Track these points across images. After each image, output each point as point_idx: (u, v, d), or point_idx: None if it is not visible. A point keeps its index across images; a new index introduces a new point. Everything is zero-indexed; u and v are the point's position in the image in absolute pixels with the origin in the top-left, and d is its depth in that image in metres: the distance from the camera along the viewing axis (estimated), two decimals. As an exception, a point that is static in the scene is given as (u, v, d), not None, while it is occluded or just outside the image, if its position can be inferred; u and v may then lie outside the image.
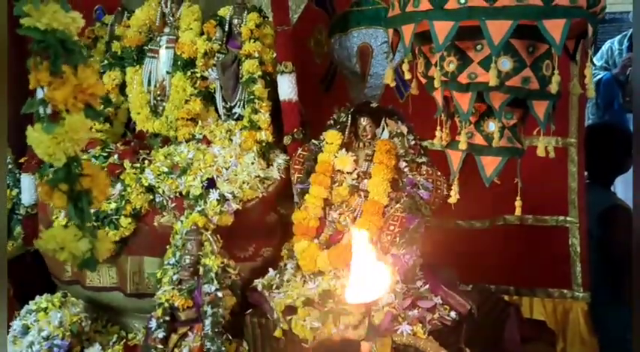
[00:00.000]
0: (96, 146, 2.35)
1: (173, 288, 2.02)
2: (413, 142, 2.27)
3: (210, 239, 2.05)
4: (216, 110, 2.47)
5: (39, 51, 1.14)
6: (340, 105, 2.39)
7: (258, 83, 2.35)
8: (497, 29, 1.43)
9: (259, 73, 2.36)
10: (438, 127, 1.75)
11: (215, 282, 2.01)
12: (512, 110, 1.63)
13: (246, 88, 2.37)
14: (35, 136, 1.14)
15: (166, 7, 2.52)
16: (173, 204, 2.16)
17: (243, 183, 2.18)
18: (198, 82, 2.42)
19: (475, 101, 1.58)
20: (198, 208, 2.08)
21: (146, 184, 2.17)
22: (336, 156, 2.27)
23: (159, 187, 2.16)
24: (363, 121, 2.28)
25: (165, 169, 2.19)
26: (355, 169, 2.26)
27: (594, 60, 1.61)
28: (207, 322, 1.97)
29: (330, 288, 2.00)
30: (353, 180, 2.25)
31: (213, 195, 2.09)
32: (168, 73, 2.46)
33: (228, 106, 2.45)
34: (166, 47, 2.49)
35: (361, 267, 1.61)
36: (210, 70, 2.44)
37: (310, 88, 2.64)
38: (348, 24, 2.68)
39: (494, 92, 1.55)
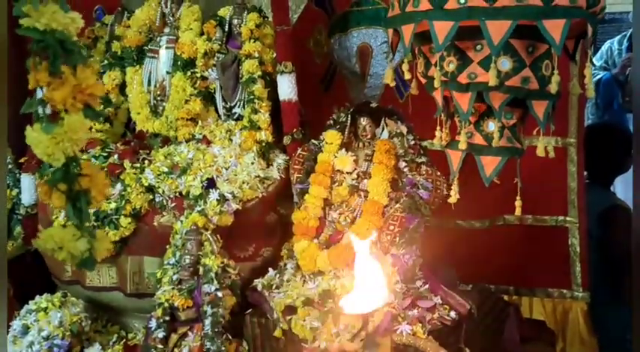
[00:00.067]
0: (96, 146, 2.35)
1: (173, 288, 2.02)
2: (412, 142, 2.27)
3: (210, 239, 2.06)
4: (216, 110, 2.47)
5: (38, 51, 1.14)
6: (340, 105, 2.39)
7: (258, 83, 2.35)
8: (497, 29, 1.43)
9: (259, 73, 2.36)
10: (438, 127, 1.75)
11: (215, 282, 2.01)
12: (511, 110, 1.63)
13: (246, 88, 2.37)
14: (34, 136, 1.14)
15: (166, 7, 2.52)
16: (173, 204, 2.16)
17: (243, 183, 2.18)
18: (198, 82, 2.42)
19: (475, 101, 1.58)
20: (198, 208, 2.08)
21: (146, 184, 2.17)
22: (335, 156, 2.27)
23: (159, 187, 2.16)
24: (363, 121, 2.28)
25: (165, 169, 2.19)
26: (355, 169, 2.26)
27: (594, 60, 1.61)
28: (207, 322, 1.97)
29: (329, 288, 2.00)
30: (353, 180, 2.25)
31: (213, 195, 2.09)
32: (168, 73, 2.46)
33: (228, 106, 2.45)
34: (166, 47, 2.49)
35: (362, 276, 1.61)
36: (210, 70, 2.44)
37: (310, 88, 2.64)
38: (348, 24, 2.69)
39: (494, 92, 1.55)
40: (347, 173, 2.26)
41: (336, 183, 2.25)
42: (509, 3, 1.42)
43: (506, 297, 2.77)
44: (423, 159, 2.25)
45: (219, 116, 2.46)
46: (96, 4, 2.80)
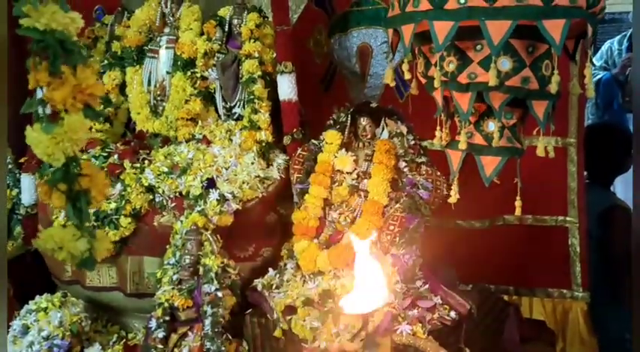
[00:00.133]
0: (96, 146, 2.35)
1: (173, 288, 2.02)
2: (412, 142, 2.27)
3: (210, 239, 2.06)
4: (216, 110, 2.47)
5: (38, 51, 1.14)
6: (340, 105, 2.39)
7: (258, 83, 2.35)
8: (497, 29, 1.43)
9: (259, 73, 2.36)
10: (438, 127, 1.75)
11: (215, 282, 2.01)
12: (511, 110, 1.63)
13: (246, 88, 2.37)
14: (34, 136, 1.14)
15: (166, 7, 2.52)
16: (173, 204, 2.16)
17: (243, 183, 2.18)
18: (198, 82, 2.42)
19: (475, 101, 1.58)
20: (198, 208, 2.08)
21: (146, 184, 2.17)
22: (335, 156, 2.27)
23: (159, 187, 2.16)
24: (363, 121, 2.28)
25: (165, 169, 2.19)
26: (355, 169, 2.26)
27: (594, 60, 1.61)
28: (207, 322, 1.97)
29: (329, 288, 2.00)
30: (353, 180, 2.25)
31: (213, 195, 2.09)
32: (168, 73, 2.46)
33: (228, 106, 2.45)
34: (166, 47, 2.49)
35: (362, 277, 1.60)
36: (210, 70, 2.44)
37: (310, 88, 2.64)
38: (348, 24, 2.69)
39: (494, 92, 1.54)
40: (347, 173, 2.26)
41: (336, 183, 2.25)
42: (509, 3, 1.42)
43: (506, 297, 2.77)
44: (423, 159, 2.25)
45: (219, 116, 2.46)
46: (96, 4, 2.80)
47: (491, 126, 1.64)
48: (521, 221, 2.88)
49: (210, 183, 2.13)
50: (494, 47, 1.44)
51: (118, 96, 2.58)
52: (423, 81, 1.72)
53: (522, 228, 2.88)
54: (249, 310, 2.08)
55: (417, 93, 1.75)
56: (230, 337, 2.01)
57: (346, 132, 2.31)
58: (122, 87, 2.58)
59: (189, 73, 2.42)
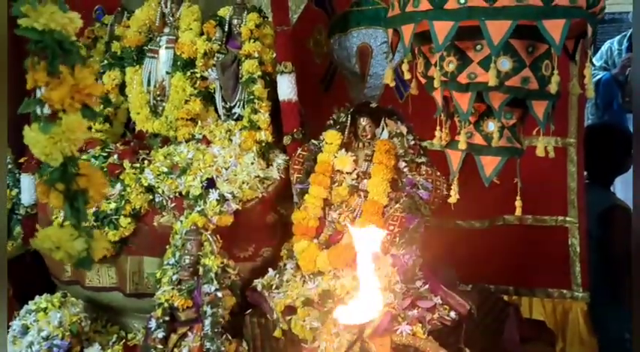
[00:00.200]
0: (96, 146, 2.36)
1: (173, 288, 2.02)
2: (412, 142, 2.27)
3: (210, 239, 2.05)
4: (216, 110, 2.47)
5: (36, 51, 1.14)
6: (340, 106, 2.39)
7: (257, 83, 2.35)
8: (497, 29, 1.43)
9: (259, 73, 2.36)
10: (438, 127, 1.75)
11: (215, 282, 2.01)
12: (511, 110, 1.63)
13: (246, 88, 2.37)
14: (32, 136, 1.14)
15: (166, 7, 2.52)
16: (173, 204, 2.16)
17: (243, 183, 2.18)
18: (198, 82, 2.42)
19: (475, 101, 1.58)
20: (198, 208, 2.08)
21: (146, 184, 2.17)
22: (335, 157, 2.27)
23: (158, 187, 2.16)
24: (363, 121, 2.28)
25: (165, 169, 2.19)
26: (355, 169, 2.26)
27: (594, 60, 1.61)
28: (207, 322, 1.97)
29: (329, 288, 2.00)
30: (352, 180, 2.25)
31: (213, 195, 2.09)
32: (167, 73, 2.46)
33: (227, 106, 2.45)
34: (166, 47, 2.49)
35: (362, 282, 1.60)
36: (209, 70, 2.44)
37: (310, 88, 2.64)
38: (348, 24, 2.68)
39: (494, 92, 1.54)
40: (347, 173, 2.26)
41: (336, 183, 2.25)
42: (509, 3, 1.42)
43: (506, 297, 2.77)
44: (423, 159, 2.25)
45: (218, 116, 2.46)
46: (96, 4, 2.80)
47: (491, 126, 1.64)
48: (521, 221, 2.88)
49: (210, 183, 2.13)
50: (494, 47, 1.44)
51: (117, 97, 2.58)
52: (423, 81, 1.72)
53: (522, 228, 2.88)
54: (249, 310, 2.08)
55: (417, 93, 1.75)
56: (230, 337, 2.01)
57: (346, 133, 2.31)
58: (122, 87, 2.58)
59: (189, 73, 2.42)
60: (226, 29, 2.48)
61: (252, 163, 2.25)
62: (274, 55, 2.41)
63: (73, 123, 1.15)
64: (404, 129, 2.27)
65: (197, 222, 2.06)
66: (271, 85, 2.39)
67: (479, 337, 2.02)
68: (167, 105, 2.44)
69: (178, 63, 2.43)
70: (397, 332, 1.82)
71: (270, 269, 2.17)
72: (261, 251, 2.25)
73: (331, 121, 2.37)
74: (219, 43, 2.46)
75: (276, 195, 2.30)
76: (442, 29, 1.47)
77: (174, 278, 2.03)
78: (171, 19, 2.52)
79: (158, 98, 2.48)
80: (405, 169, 2.21)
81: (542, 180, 2.65)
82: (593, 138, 2.91)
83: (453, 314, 1.95)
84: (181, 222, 2.09)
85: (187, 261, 2.04)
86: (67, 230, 1.18)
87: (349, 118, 2.32)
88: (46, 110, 1.17)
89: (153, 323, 2.00)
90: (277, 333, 1.97)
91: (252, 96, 2.35)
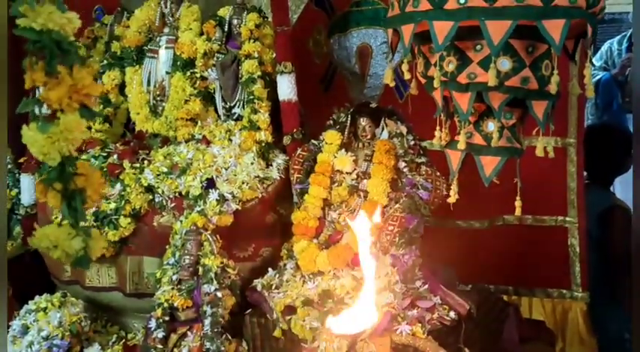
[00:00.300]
0: (95, 146, 2.36)
1: (172, 288, 2.02)
2: (412, 142, 2.27)
3: (210, 239, 2.06)
4: (216, 110, 2.47)
5: (35, 51, 1.15)
6: (340, 106, 2.39)
7: (257, 83, 2.35)
8: (497, 29, 1.43)
9: (259, 73, 2.36)
10: (437, 127, 1.75)
11: (214, 282, 2.01)
12: (511, 110, 1.63)
13: (246, 88, 2.37)
14: (30, 135, 1.15)
15: (166, 7, 2.52)
16: (172, 204, 2.16)
17: (243, 183, 2.18)
18: (198, 82, 2.42)
19: (474, 101, 1.58)
20: (198, 208, 2.08)
21: (145, 184, 2.17)
22: (335, 157, 2.27)
23: (158, 187, 2.16)
24: (363, 121, 2.29)
25: (165, 169, 2.19)
26: (354, 169, 2.26)
27: (593, 60, 1.61)
28: (207, 322, 1.97)
29: (329, 288, 2.00)
30: (352, 180, 2.25)
31: (213, 195, 2.09)
32: (167, 73, 2.46)
33: (227, 106, 2.45)
34: (166, 47, 2.48)
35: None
36: (209, 70, 2.44)
37: (310, 88, 2.64)
38: (348, 24, 2.68)
39: (494, 92, 1.54)
40: (346, 173, 2.26)
41: (336, 184, 2.25)
42: (509, 3, 1.42)
43: (505, 297, 2.77)
44: (423, 159, 2.25)
45: (218, 116, 2.46)
46: (95, 4, 2.80)
47: (491, 126, 1.64)
48: (520, 221, 2.88)
49: (210, 184, 2.13)
50: (494, 47, 1.44)
51: (117, 97, 2.58)
52: (423, 81, 1.72)
53: (522, 228, 2.88)
54: (249, 310, 2.08)
55: (417, 93, 1.75)
56: (230, 337, 2.01)
57: (346, 133, 2.31)
58: (122, 87, 2.57)
59: (188, 73, 2.42)
60: (226, 29, 2.47)
61: (252, 163, 2.25)
62: (274, 55, 2.41)
63: (71, 123, 1.15)
64: (404, 130, 2.27)
65: (197, 222, 2.06)
66: (271, 85, 2.39)
67: (478, 337, 2.01)
68: (167, 106, 2.44)
69: (178, 63, 2.43)
70: (397, 331, 1.82)
71: (269, 269, 2.18)
72: (261, 251, 2.25)
73: (331, 121, 2.37)
74: (219, 43, 2.46)
75: (276, 195, 2.30)
76: (442, 29, 1.47)
77: (174, 278, 2.03)
78: (170, 19, 2.52)
79: (158, 98, 2.48)
80: (405, 169, 2.21)
81: (542, 181, 2.66)
82: (592, 138, 2.92)
83: (452, 314, 1.95)
84: (181, 222, 2.09)
85: (187, 261, 2.04)
86: (64, 229, 1.19)
87: (349, 118, 2.32)
88: (46, 110, 1.17)
89: (153, 323, 2.00)
90: (277, 333, 1.97)
91: (251, 97, 2.35)
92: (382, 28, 2.57)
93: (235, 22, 2.46)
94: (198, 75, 2.43)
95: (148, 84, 2.50)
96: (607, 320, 2.80)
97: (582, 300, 2.83)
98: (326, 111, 2.41)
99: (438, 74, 1.56)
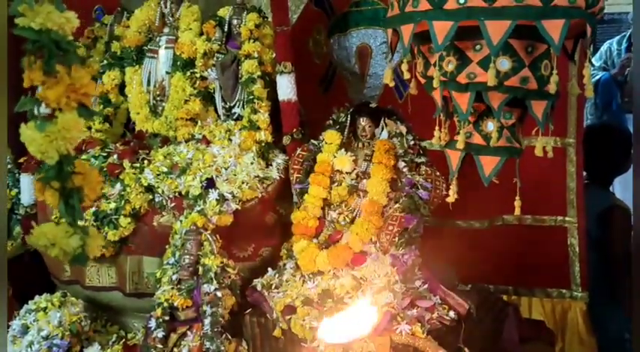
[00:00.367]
0: (95, 146, 2.36)
1: (172, 288, 2.02)
2: (412, 142, 2.27)
3: (210, 239, 2.06)
4: (216, 110, 2.47)
5: (33, 50, 1.15)
6: (339, 106, 2.39)
7: (257, 83, 2.36)
8: (496, 29, 1.43)
9: (258, 73, 2.36)
10: (437, 127, 1.75)
11: (214, 282, 2.01)
12: (510, 110, 1.63)
13: (246, 88, 2.38)
14: (28, 134, 1.15)
15: (166, 7, 2.53)
16: (172, 204, 2.16)
17: (243, 183, 2.18)
18: (198, 82, 2.42)
19: (474, 101, 1.58)
20: (198, 208, 2.09)
21: (145, 184, 2.17)
22: (335, 156, 2.27)
23: (158, 187, 2.16)
24: (363, 121, 2.29)
25: (165, 169, 2.19)
26: (354, 169, 2.27)
27: (593, 60, 1.61)
28: (207, 321, 1.97)
29: (329, 288, 2.00)
30: (352, 180, 2.25)
31: (213, 195, 2.10)
32: (167, 73, 2.46)
33: (227, 106, 2.45)
34: (166, 47, 2.49)
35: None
36: (209, 70, 2.44)
37: (309, 88, 2.64)
38: (347, 24, 2.68)
39: (493, 92, 1.55)
40: (346, 173, 2.26)
41: (336, 183, 2.25)
42: (509, 3, 1.42)
43: (505, 297, 2.77)
44: (423, 159, 2.25)
45: (218, 116, 2.46)
46: (95, 4, 2.80)
47: (490, 126, 1.65)
48: (520, 221, 2.88)
49: (210, 183, 2.13)
50: (494, 47, 1.44)
51: (117, 97, 2.58)
52: (422, 81, 1.72)
53: (521, 228, 2.88)
54: (249, 310, 2.08)
55: (416, 93, 1.75)
56: (229, 337, 2.01)
57: (346, 133, 2.32)
58: (122, 87, 2.58)
59: (188, 73, 2.42)
60: (226, 29, 2.48)
61: (252, 163, 2.25)
62: (274, 55, 2.41)
63: (68, 122, 1.16)
64: (403, 129, 2.28)
65: (197, 222, 2.06)
66: (271, 85, 2.39)
67: (478, 337, 2.02)
68: (167, 105, 2.44)
69: (178, 63, 2.43)
70: (396, 331, 1.82)
71: (269, 269, 2.18)
72: (261, 250, 2.26)
73: (331, 121, 2.37)
74: (219, 43, 2.46)
75: (276, 194, 2.30)
76: (441, 29, 1.47)
77: (173, 277, 2.03)
78: (170, 19, 2.52)
79: (158, 98, 2.48)
80: (405, 169, 2.21)
81: (542, 181, 2.66)
82: (592, 138, 2.92)
83: (452, 313, 1.95)
84: (181, 221, 2.10)
85: (187, 261, 2.04)
86: (62, 227, 1.19)
87: (349, 118, 2.32)
88: (46, 110, 1.18)
89: (152, 323, 2.00)
90: (277, 333, 1.97)
91: (251, 97, 2.35)
92: (382, 28, 2.57)
93: (235, 22, 2.46)
94: (198, 75, 2.43)
95: (148, 84, 2.50)
96: (606, 319, 2.81)
97: (582, 300, 2.83)
98: (326, 111, 2.42)
99: (438, 74, 1.57)
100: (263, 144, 2.33)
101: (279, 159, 2.36)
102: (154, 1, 2.56)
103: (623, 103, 4.23)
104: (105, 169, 2.22)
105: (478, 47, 1.55)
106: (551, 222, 2.86)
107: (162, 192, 2.16)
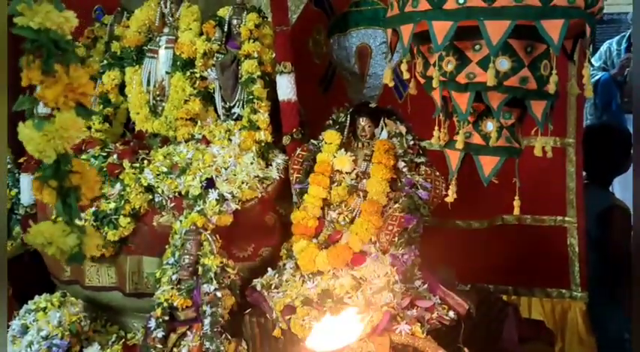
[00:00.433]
0: (95, 146, 2.36)
1: (172, 288, 2.02)
2: (412, 142, 2.27)
3: (210, 239, 2.06)
4: (216, 110, 2.47)
5: (32, 50, 1.15)
6: (339, 106, 2.40)
7: (257, 83, 2.36)
8: (496, 29, 1.43)
9: (258, 73, 2.37)
10: (436, 127, 1.75)
11: (214, 282, 2.01)
12: (510, 110, 1.63)
13: (246, 88, 2.38)
14: (26, 133, 1.15)
15: (166, 7, 2.53)
16: (172, 204, 2.16)
17: (242, 183, 2.18)
18: (198, 82, 2.43)
19: (473, 101, 1.58)
20: (198, 208, 2.09)
21: (145, 184, 2.17)
22: (334, 156, 2.27)
23: (158, 187, 2.16)
24: (362, 121, 2.29)
25: (165, 169, 2.19)
26: (354, 169, 2.27)
27: (592, 60, 1.62)
28: (206, 321, 1.97)
29: (328, 288, 2.00)
30: (352, 180, 2.25)
31: (213, 195, 2.10)
32: (167, 73, 2.46)
33: (227, 106, 2.45)
34: (166, 47, 2.49)
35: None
36: (209, 70, 2.44)
37: (309, 88, 2.64)
38: (347, 24, 2.68)
39: (493, 92, 1.55)
40: (346, 173, 2.26)
41: (335, 183, 2.25)
42: (508, 3, 1.42)
43: (504, 297, 2.77)
44: (422, 159, 2.25)
45: (218, 116, 2.46)
46: (95, 4, 2.80)
47: (490, 126, 1.65)
48: (519, 221, 2.88)
49: (210, 183, 2.13)
50: (493, 47, 1.44)
51: (117, 97, 2.58)
52: (422, 81, 1.72)
53: (521, 228, 2.88)
54: (249, 310, 2.08)
55: (416, 93, 1.75)
56: (229, 337, 2.01)
57: (345, 133, 2.32)
58: (121, 87, 2.58)
59: (188, 73, 2.42)
60: (226, 29, 2.48)
61: (252, 163, 2.25)
62: (274, 55, 2.41)
63: (66, 121, 1.16)
64: (403, 129, 2.28)
65: (196, 222, 2.06)
66: (271, 85, 2.39)
67: (478, 337, 2.02)
68: (167, 105, 2.44)
69: (178, 63, 2.43)
70: (396, 331, 1.82)
71: (269, 269, 2.18)
72: (261, 250, 2.26)
73: (330, 121, 2.37)
74: (219, 43, 2.46)
75: (276, 194, 2.30)
76: (441, 29, 1.48)
77: (173, 277, 2.03)
78: (170, 19, 2.52)
79: (158, 98, 2.48)
80: (404, 169, 2.21)
81: (541, 180, 2.66)
82: (591, 138, 2.92)
83: (451, 313, 1.95)
84: (181, 221, 2.10)
85: (187, 261, 2.04)
86: (59, 226, 1.19)
87: (348, 118, 2.32)
88: (45, 110, 1.18)
89: (152, 323, 2.00)
90: (276, 333, 1.97)
91: (251, 96, 2.35)
92: (381, 28, 2.57)
93: (235, 22, 2.46)
94: (197, 75, 2.43)
95: (148, 84, 2.50)
96: (606, 319, 2.81)
97: (581, 300, 2.83)
98: (325, 111, 2.42)
99: (437, 74, 1.57)
100: (263, 144, 2.33)
101: (279, 159, 2.36)
102: (154, 1, 2.56)
103: (622, 103, 4.23)
104: (105, 169, 2.22)
105: (477, 47, 1.55)
106: (551, 222, 2.86)
107: (162, 192, 2.16)
